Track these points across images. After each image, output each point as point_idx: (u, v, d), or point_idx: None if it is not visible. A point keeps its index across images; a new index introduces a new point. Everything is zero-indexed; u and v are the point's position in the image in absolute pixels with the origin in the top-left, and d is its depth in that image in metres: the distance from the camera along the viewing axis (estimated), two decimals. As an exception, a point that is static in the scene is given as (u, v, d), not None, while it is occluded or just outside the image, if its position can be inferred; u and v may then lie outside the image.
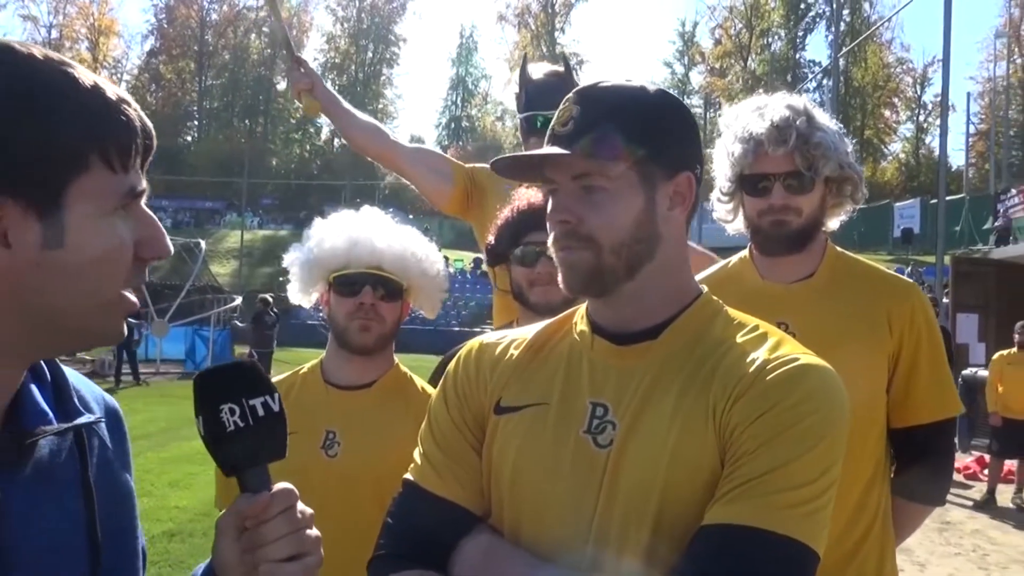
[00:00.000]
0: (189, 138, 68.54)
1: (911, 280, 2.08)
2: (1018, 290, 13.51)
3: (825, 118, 1.97)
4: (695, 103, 60.48)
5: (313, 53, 66.93)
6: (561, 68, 2.90)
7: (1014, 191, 19.40)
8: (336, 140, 68.62)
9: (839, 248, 2.09)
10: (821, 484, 1.06)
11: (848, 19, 41.31)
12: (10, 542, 0.83)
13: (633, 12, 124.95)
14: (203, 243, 24.93)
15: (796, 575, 1.04)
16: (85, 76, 0.83)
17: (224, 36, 67.72)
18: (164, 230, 0.92)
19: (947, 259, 15.49)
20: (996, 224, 18.27)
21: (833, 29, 35.82)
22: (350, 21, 69.17)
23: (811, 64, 60.84)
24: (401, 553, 1.21)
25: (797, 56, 61.42)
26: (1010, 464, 9.20)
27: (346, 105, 2.90)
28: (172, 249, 0.95)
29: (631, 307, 1.21)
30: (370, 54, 69.42)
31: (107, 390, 1.04)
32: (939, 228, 15.70)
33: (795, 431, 1.06)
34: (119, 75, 67.24)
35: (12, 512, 0.83)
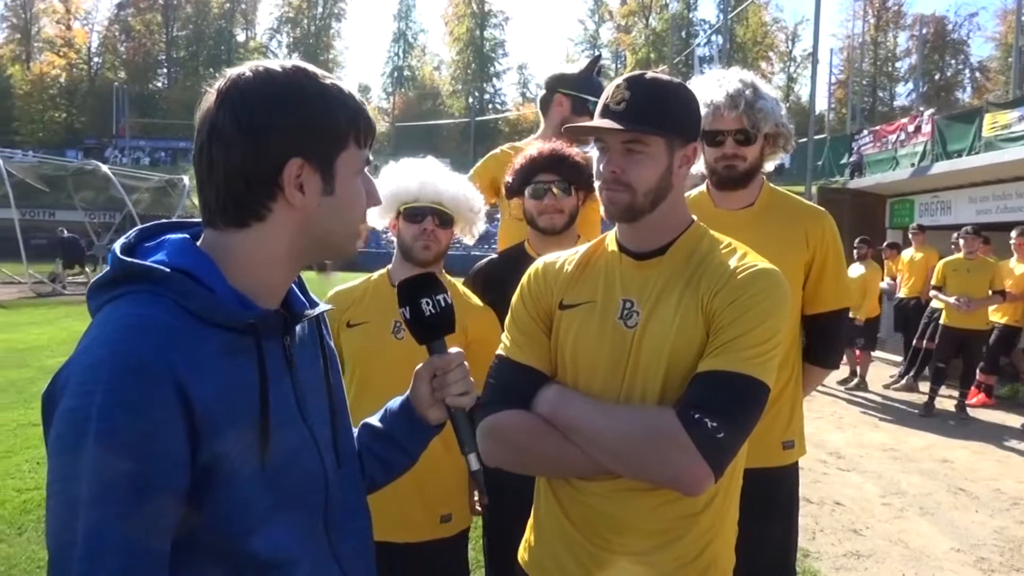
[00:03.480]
0: (160, 84, 64.98)
1: (823, 208, 2.38)
2: (867, 212, 14.27)
3: (767, 88, 2.23)
4: (605, 56, 59.89)
5: (268, 7, 63.69)
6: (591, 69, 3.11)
7: (866, 131, 19.97)
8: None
9: (771, 184, 2.38)
10: (771, 344, 1.35)
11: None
12: (299, 377, 1.07)
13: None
14: (186, 179, 24.08)
15: (753, 396, 1.33)
16: (344, 85, 1.04)
17: (187, -10, 63.74)
18: (377, 187, 1.11)
19: (813, 188, 16.16)
20: (851, 159, 18.81)
21: (722, -7, 35.71)
22: (302, -23, 65.73)
23: (702, 23, 60.79)
24: (500, 400, 1.47)
25: (691, 15, 61.14)
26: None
27: None
28: (381, 199, 1.15)
29: (649, 232, 1.47)
30: (320, 9, 66.25)
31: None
32: (808, 164, 16.35)
33: (755, 311, 1.35)
34: (90, 26, 62.91)
35: (297, 360, 1.07)
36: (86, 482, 0.83)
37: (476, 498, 2.49)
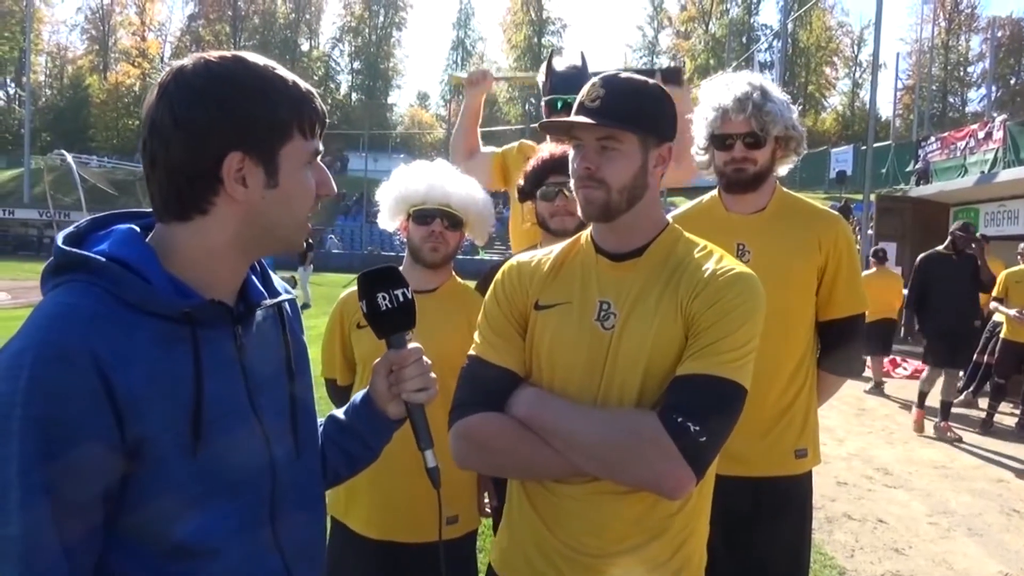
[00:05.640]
0: (227, 93, 67.08)
1: (837, 213, 2.31)
2: (929, 221, 13.74)
3: (777, 91, 2.18)
4: (663, 62, 59.28)
5: (331, 18, 65.16)
6: (579, 63, 3.08)
7: (933, 138, 19.30)
8: (354, 94, 67.32)
9: (784, 188, 2.34)
10: (748, 348, 1.35)
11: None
12: (251, 368, 1.08)
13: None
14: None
15: (733, 400, 1.33)
16: (287, 75, 1.03)
17: (254, 1, 65.80)
18: (332, 178, 1.11)
19: (873, 197, 15.67)
20: (917, 167, 18.21)
21: (784, -3, 34.94)
22: (364, -12, 67.11)
23: (764, 27, 59.68)
24: (472, 402, 1.44)
25: (751, 20, 60.07)
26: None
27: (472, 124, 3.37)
28: (336, 190, 1.14)
29: (625, 232, 1.46)
30: (381, 18, 67.54)
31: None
32: (867, 170, 15.83)
33: (734, 315, 1.34)
34: (163, 37, 65.56)
35: (249, 350, 1.08)
36: (16, 463, 0.86)
37: (486, 500, 2.50)
